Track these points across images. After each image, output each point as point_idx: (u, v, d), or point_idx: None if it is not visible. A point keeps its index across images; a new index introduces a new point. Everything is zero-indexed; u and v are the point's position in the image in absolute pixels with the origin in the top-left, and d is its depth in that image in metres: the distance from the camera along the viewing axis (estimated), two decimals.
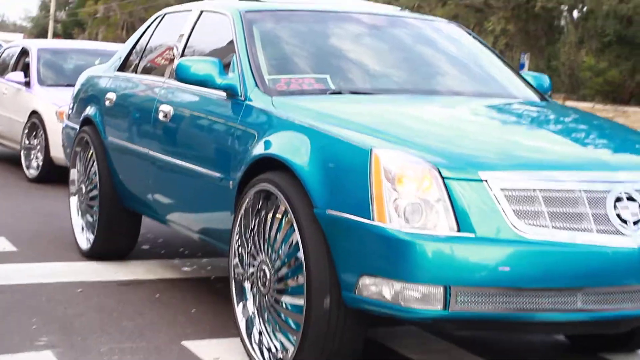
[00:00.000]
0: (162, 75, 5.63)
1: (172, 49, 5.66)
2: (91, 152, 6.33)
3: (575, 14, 35.20)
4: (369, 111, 4.33)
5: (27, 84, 10.83)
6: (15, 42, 12.98)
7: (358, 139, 3.82)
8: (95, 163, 6.23)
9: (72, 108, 7.03)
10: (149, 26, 6.32)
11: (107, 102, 6.19)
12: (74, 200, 6.69)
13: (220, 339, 4.64)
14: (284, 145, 4.11)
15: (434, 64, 5.21)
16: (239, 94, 4.66)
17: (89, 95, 6.62)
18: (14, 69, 11.59)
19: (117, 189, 6.06)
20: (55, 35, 71.16)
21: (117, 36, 59.67)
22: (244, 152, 4.42)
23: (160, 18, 6.23)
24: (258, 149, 4.28)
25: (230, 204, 4.52)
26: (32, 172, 10.31)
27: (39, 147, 10.26)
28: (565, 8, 33.01)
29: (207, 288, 5.71)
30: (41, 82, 10.77)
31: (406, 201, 3.59)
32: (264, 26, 5.07)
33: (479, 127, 4.29)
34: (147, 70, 6.01)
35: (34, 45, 11.46)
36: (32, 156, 10.43)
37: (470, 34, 5.66)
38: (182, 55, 5.49)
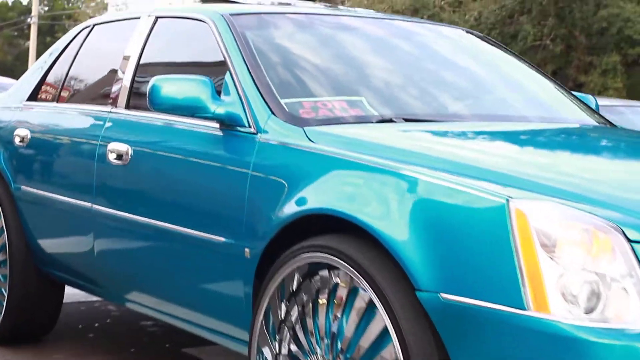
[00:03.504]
0: (105, 104, 4.24)
1: (116, 70, 4.28)
2: None
3: None
4: (465, 146, 3.11)
5: None
6: None
7: (480, 187, 2.59)
8: (1, 219, 4.78)
9: None
10: (69, 43, 4.88)
11: (17, 141, 4.74)
12: None
13: None
14: (349, 197, 2.83)
15: (486, 82, 4.03)
16: (246, 124, 3.37)
17: None
18: None
19: (33, 252, 4.63)
20: None
21: None
22: (267, 208, 3.12)
23: (87, 31, 4.79)
24: (297, 204, 2.99)
25: (243, 281, 3.21)
26: None
27: None
28: None
29: None
30: None
31: (578, 278, 2.39)
32: (258, 34, 3.78)
33: (630, 166, 3.12)
34: (76, 99, 4.61)
35: None
36: None
37: (508, 50, 4.51)
38: (135, 76, 4.13)
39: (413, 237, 2.61)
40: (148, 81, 3.95)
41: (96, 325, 5.35)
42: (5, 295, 4.74)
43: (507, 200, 2.47)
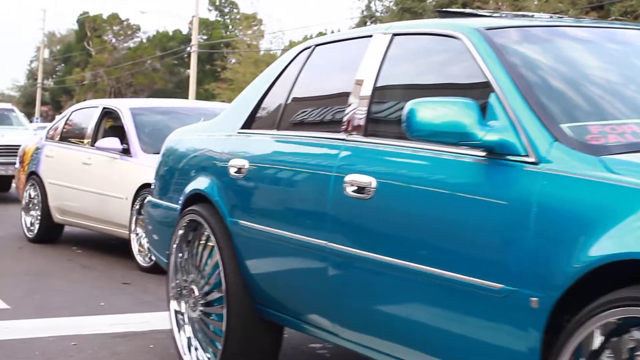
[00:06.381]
0: (336, 131, 3.86)
1: (347, 93, 3.88)
2: (204, 240, 4.57)
3: None
4: None
5: (126, 152, 8.88)
6: (87, 103, 10.76)
7: None
8: (215, 255, 4.44)
9: (160, 181, 5.27)
10: (287, 66, 4.53)
11: (232, 172, 4.42)
12: (174, 307, 4.88)
13: None
14: None
15: None
16: (522, 153, 2.91)
17: (195, 163, 4.85)
18: (94, 135, 9.61)
19: (251, 291, 4.29)
20: (44, 103, 70.06)
21: None
22: (560, 251, 2.66)
23: (307, 52, 4.42)
24: (602, 247, 2.52)
25: (526, 333, 2.76)
26: (149, 260, 8.21)
27: None
28: None
29: None
30: (145, 148, 8.81)
31: None
32: (520, 50, 3.34)
33: None
34: (300, 126, 4.24)
35: (124, 105, 9.51)
36: None
37: None
38: (372, 100, 3.73)
39: None
40: (388, 105, 3.59)
41: None
42: (222, 336, 4.40)
43: None
